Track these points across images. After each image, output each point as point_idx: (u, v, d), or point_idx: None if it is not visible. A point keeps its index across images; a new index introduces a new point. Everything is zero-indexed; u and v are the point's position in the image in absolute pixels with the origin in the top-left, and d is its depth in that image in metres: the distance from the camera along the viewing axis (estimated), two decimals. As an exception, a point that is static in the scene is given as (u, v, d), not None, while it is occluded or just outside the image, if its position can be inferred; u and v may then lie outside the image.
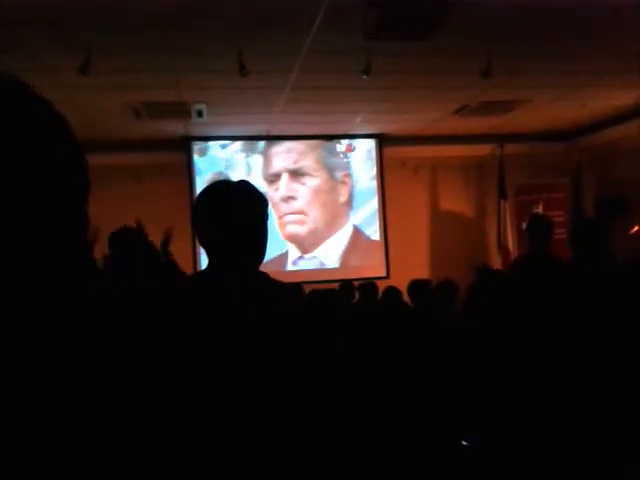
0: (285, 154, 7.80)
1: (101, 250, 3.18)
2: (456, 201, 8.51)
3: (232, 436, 1.37)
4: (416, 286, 4.48)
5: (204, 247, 1.58)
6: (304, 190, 7.84)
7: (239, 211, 1.53)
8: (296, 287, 2.54)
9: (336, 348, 2.96)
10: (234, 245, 1.53)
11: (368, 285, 5.19)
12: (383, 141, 7.91)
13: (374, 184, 8.01)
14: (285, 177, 7.79)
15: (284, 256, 7.75)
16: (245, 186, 1.59)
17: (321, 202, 7.89)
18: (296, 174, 7.81)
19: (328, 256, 7.93)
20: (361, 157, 8.01)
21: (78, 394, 0.56)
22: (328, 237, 7.94)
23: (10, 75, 0.61)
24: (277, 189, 7.76)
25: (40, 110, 0.62)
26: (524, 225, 4.57)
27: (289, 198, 7.79)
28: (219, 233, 1.52)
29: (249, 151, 7.72)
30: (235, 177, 7.37)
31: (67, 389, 0.56)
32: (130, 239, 3.11)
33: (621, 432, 2.47)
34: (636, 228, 6.50)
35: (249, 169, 7.69)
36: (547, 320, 2.94)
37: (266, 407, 1.42)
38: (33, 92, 0.62)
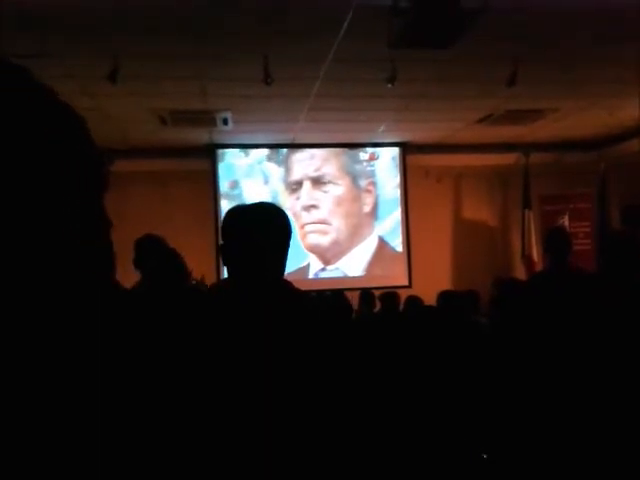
0: (307, 161, 7.66)
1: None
2: (480, 210, 8.43)
3: (244, 440, 1.37)
4: (445, 297, 4.45)
5: (225, 265, 1.64)
6: (326, 199, 7.69)
7: (259, 238, 1.58)
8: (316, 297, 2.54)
9: (352, 356, 2.95)
10: (253, 270, 1.59)
11: (389, 295, 5.16)
12: (406, 149, 7.88)
13: (397, 193, 7.94)
14: (307, 185, 7.66)
15: (305, 268, 7.61)
16: (268, 210, 1.66)
17: (344, 211, 7.75)
18: (318, 182, 7.68)
19: (351, 268, 7.77)
20: (385, 165, 7.91)
21: (82, 396, 0.56)
22: (351, 248, 7.79)
23: (10, 61, 0.59)
24: (298, 197, 7.63)
25: (41, 97, 0.60)
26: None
27: (311, 207, 7.65)
28: (238, 259, 1.59)
29: (269, 158, 7.63)
30: (253, 185, 7.47)
31: (71, 391, 0.56)
32: (154, 247, 3.14)
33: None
34: None
35: (267, 177, 7.62)
36: (572, 334, 2.89)
37: (280, 414, 1.42)
38: (34, 79, 0.60)
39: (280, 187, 7.63)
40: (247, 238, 1.58)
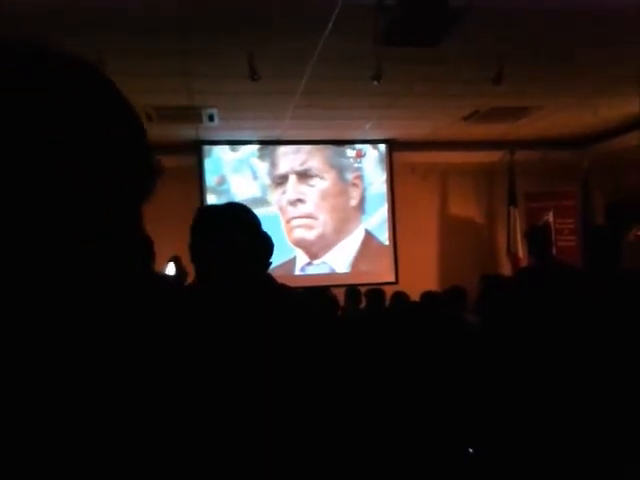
0: (292, 155, 7.67)
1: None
2: (466, 207, 8.49)
3: (233, 439, 1.38)
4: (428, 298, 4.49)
5: (195, 264, 1.68)
6: (312, 192, 7.70)
7: (230, 236, 1.63)
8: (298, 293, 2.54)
9: (336, 352, 2.97)
10: (231, 268, 1.63)
11: (375, 291, 5.18)
12: (393, 146, 7.91)
13: (384, 189, 7.97)
14: (292, 179, 7.66)
15: (291, 262, 7.62)
16: (235, 210, 1.71)
17: (330, 205, 7.76)
18: (304, 176, 7.68)
19: (338, 262, 7.80)
20: (372, 161, 7.94)
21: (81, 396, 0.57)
22: (337, 242, 7.82)
23: (81, 57, 0.59)
24: (284, 192, 7.63)
25: (113, 98, 0.60)
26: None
27: (297, 201, 7.65)
28: (210, 255, 1.64)
29: (257, 153, 7.63)
30: (240, 180, 7.45)
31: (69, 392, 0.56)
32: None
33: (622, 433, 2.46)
34: (636, 234, 6.46)
35: (255, 172, 7.61)
36: (557, 327, 2.93)
37: (260, 409, 1.42)
38: (105, 77, 0.60)
39: (266, 181, 7.62)
40: (219, 236, 1.62)
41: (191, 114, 6.01)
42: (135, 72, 4.69)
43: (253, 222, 1.68)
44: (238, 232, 1.63)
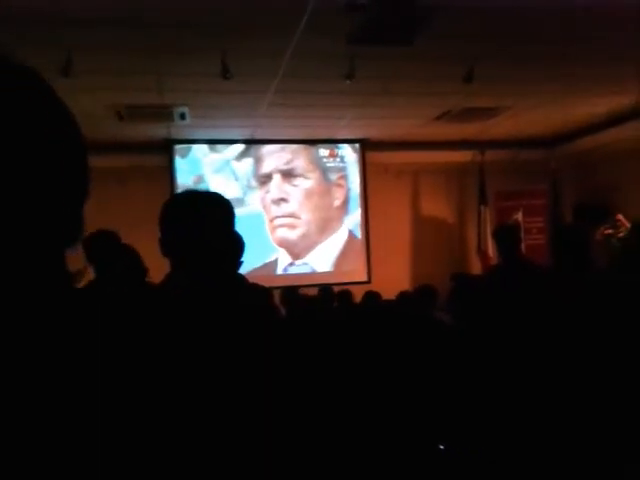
0: (277, 154, 7.63)
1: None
2: (437, 207, 8.56)
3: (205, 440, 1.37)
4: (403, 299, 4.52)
5: (168, 256, 1.58)
6: (296, 192, 7.68)
7: (199, 222, 1.53)
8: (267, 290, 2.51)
9: (305, 350, 2.97)
10: (197, 256, 1.54)
11: (344, 292, 5.22)
12: (366, 146, 7.94)
13: (358, 189, 8.00)
14: (277, 178, 7.63)
15: (274, 263, 7.59)
16: (206, 196, 1.62)
17: (314, 205, 7.75)
18: (288, 175, 7.65)
19: (320, 262, 7.78)
20: (350, 161, 7.97)
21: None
22: (320, 242, 7.80)
23: (16, 61, 0.59)
24: (268, 191, 7.59)
25: (45, 101, 0.60)
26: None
27: (280, 200, 7.62)
28: (183, 245, 1.54)
29: (233, 152, 7.56)
30: (220, 180, 7.39)
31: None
32: (106, 243, 3.08)
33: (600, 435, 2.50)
34: (603, 233, 6.61)
35: (234, 172, 7.57)
36: (525, 326, 2.97)
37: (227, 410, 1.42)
38: (42, 81, 0.60)
39: (249, 180, 7.57)
40: (189, 229, 1.53)
41: (162, 113, 5.94)
42: (105, 70, 4.63)
43: (225, 216, 1.58)
44: (207, 228, 1.54)
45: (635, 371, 2.53)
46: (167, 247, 1.55)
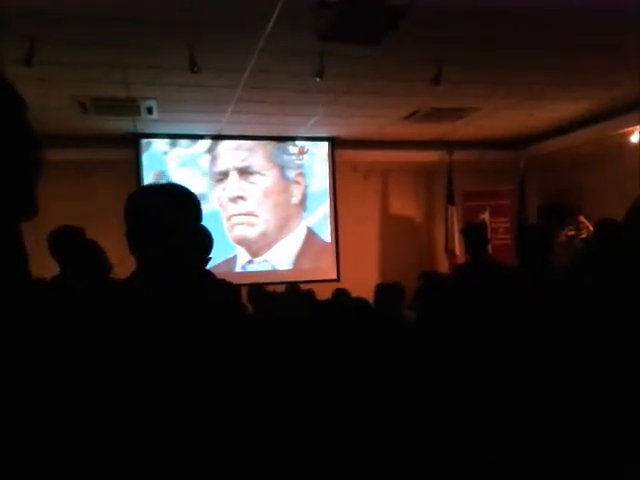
0: (233, 151, 7.56)
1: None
2: (406, 206, 8.62)
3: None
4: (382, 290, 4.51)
5: (134, 252, 1.54)
6: (254, 190, 7.62)
7: (162, 215, 1.49)
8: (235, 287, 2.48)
9: (277, 346, 2.95)
10: (162, 252, 1.50)
11: (305, 292, 5.21)
12: (335, 144, 7.94)
13: (326, 186, 8.00)
14: (233, 175, 7.56)
15: (232, 260, 7.51)
16: (172, 189, 1.57)
17: (272, 202, 7.72)
18: (245, 172, 7.59)
19: (280, 260, 7.76)
20: (315, 158, 7.95)
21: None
22: (279, 240, 7.78)
23: None
24: (225, 188, 7.52)
25: None
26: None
27: (238, 198, 7.55)
28: (147, 240, 1.50)
29: (196, 148, 7.47)
30: (180, 175, 7.31)
31: None
32: (71, 238, 3.02)
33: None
34: (566, 234, 6.73)
35: (195, 166, 7.47)
36: (490, 325, 3.00)
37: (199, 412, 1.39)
38: None
39: (206, 177, 7.49)
40: (155, 220, 1.49)
41: (129, 106, 5.84)
42: (69, 62, 4.53)
43: (191, 210, 1.55)
44: (175, 221, 1.49)
45: (593, 368, 2.58)
46: (132, 242, 1.50)
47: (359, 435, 2.60)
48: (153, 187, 1.62)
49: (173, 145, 7.40)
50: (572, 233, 6.79)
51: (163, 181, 7.21)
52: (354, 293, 5.05)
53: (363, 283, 5.42)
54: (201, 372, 1.41)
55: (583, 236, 6.69)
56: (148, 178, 7.23)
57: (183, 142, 7.43)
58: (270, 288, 5.37)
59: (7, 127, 0.55)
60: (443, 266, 8.11)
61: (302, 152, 7.88)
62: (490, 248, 3.97)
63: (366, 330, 3.20)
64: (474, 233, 4.00)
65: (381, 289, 4.25)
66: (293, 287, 5.25)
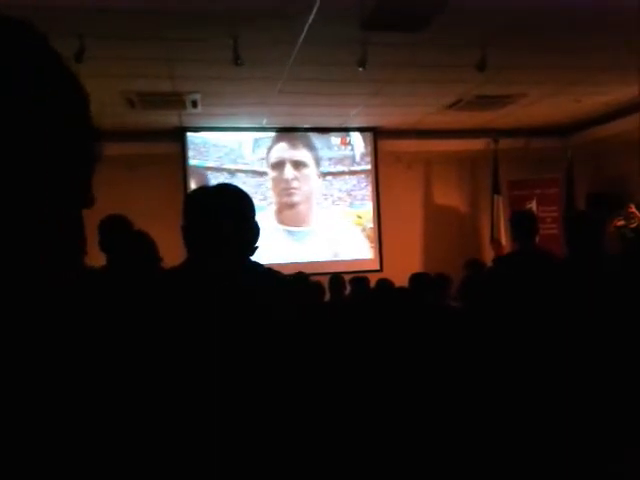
0: (276, 143, 7.69)
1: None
2: (450, 196, 8.51)
3: (225, 436, 1.36)
4: (416, 279, 4.50)
5: (187, 244, 1.68)
6: (297, 181, 7.73)
7: (217, 219, 1.63)
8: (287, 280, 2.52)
9: (324, 337, 2.97)
10: (213, 251, 1.62)
11: (359, 279, 5.19)
12: (378, 135, 7.89)
13: (369, 177, 7.99)
14: (284, 167, 7.70)
15: (276, 251, 7.61)
16: (226, 189, 1.72)
17: (315, 194, 7.80)
18: (289, 164, 7.71)
19: (322, 250, 7.83)
20: (358, 150, 7.96)
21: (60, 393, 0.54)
22: (322, 230, 7.85)
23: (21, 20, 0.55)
24: (275, 178, 7.67)
25: (42, 57, 0.57)
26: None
27: (288, 189, 7.71)
28: (200, 239, 1.64)
29: (239, 140, 7.60)
30: (230, 168, 7.40)
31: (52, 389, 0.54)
32: (121, 228, 3.08)
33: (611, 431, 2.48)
34: (615, 224, 6.53)
35: (240, 159, 7.59)
36: (538, 315, 2.94)
37: (253, 405, 1.41)
38: (40, 35, 0.56)
39: (256, 169, 7.61)
40: (206, 219, 1.61)
41: (174, 100, 5.93)
42: (117, 57, 4.62)
43: (241, 207, 1.66)
44: (226, 216, 1.61)
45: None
46: (188, 234, 1.64)
47: (413, 422, 2.60)
48: (209, 187, 1.78)
49: (221, 138, 7.52)
50: (621, 223, 6.59)
51: (212, 173, 7.38)
52: (397, 283, 5.04)
53: (406, 274, 5.38)
54: (244, 364, 1.43)
55: (633, 225, 6.50)
56: (193, 172, 7.35)
57: (232, 135, 7.54)
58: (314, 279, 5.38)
59: (74, 118, 0.56)
60: (488, 257, 7.96)
61: (345, 142, 7.88)
62: (538, 238, 3.86)
63: (414, 322, 3.19)
64: (523, 221, 3.88)
65: (417, 279, 4.22)
66: (336, 278, 5.26)
